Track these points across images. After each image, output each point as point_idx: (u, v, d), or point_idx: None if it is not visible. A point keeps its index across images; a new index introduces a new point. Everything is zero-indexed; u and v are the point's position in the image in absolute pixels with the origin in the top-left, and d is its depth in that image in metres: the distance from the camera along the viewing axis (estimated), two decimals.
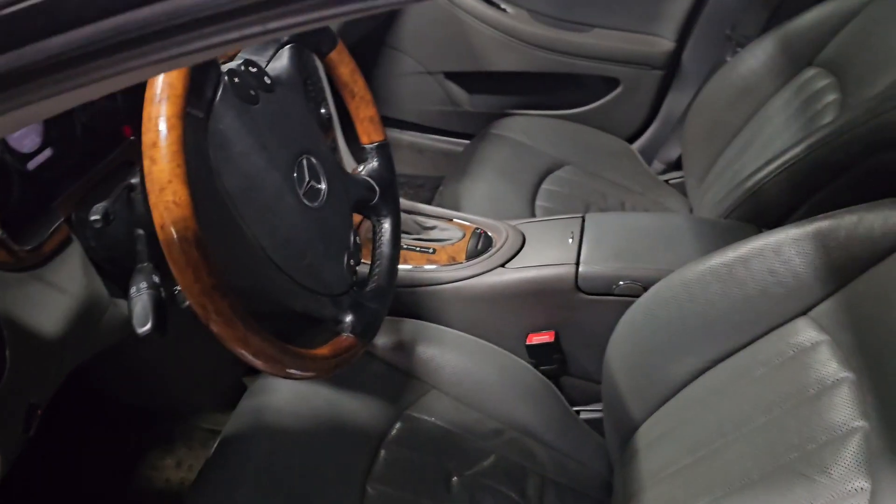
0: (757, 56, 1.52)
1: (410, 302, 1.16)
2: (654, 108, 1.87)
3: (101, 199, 0.79)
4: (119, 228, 0.80)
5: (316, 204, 0.77)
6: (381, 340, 1.10)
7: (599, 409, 1.16)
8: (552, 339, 1.14)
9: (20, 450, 0.74)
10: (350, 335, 0.79)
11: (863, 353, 0.74)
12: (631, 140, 1.89)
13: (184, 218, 0.60)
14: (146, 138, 0.60)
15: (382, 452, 0.99)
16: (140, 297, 0.70)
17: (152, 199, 0.60)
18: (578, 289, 1.11)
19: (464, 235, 1.22)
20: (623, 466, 1.01)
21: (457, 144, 2.01)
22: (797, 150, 1.14)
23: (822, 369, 0.78)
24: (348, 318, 0.80)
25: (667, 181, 1.79)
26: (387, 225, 0.90)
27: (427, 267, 1.17)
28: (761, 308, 0.88)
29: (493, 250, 1.17)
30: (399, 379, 1.08)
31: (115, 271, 0.85)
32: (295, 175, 0.75)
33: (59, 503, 1.31)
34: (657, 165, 1.85)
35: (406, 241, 1.22)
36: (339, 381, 1.04)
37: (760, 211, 1.19)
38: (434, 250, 1.20)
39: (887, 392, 0.69)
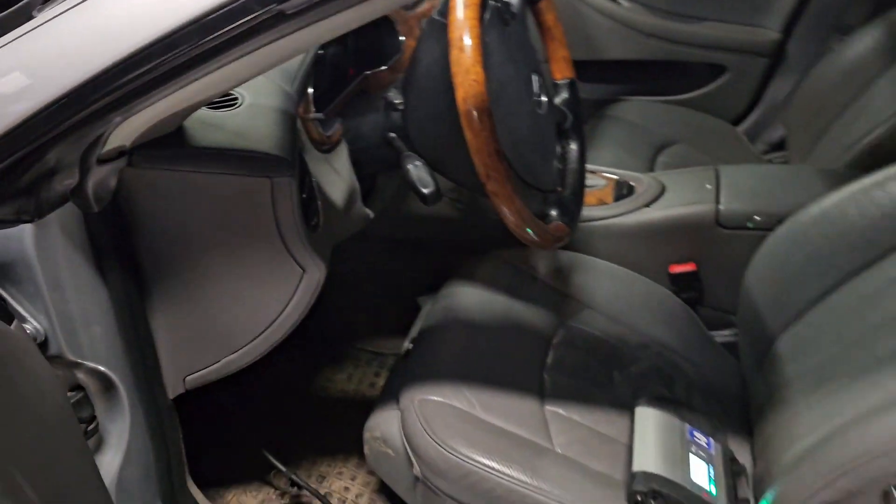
0: (864, 42, 1.66)
1: None
2: (758, 93, 2.01)
3: (353, 113, 0.99)
4: (374, 133, 0.99)
5: (541, 112, 0.95)
6: (542, 267, 1.26)
7: (732, 334, 1.31)
8: (694, 269, 1.29)
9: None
10: (560, 222, 0.96)
11: None
12: (735, 123, 2.04)
13: (481, 94, 0.77)
14: (456, 34, 0.78)
15: (551, 352, 1.15)
16: (418, 169, 0.89)
17: (458, 78, 0.78)
18: (719, 224, 1.26)
19: (608, 183, 1.39)
20: (763, 377, 1.15)
21: None
22: None
23: None
24: (554, 212, 0.97)
25: (769, 161, 1.92)
26: (574, 146, 1.08)
27: None
28: None
29: (638, 193, 1.33)
30: (558, 298, 1.25)
31: (358, 172, 1.04)
32: (529, 86, 0.93)
33: (258, 399, 1.50)
34: (760, 146, 1.99)
35: None
36: (511, 295, 1.21)
37: (881, 163, 1.32)
38: None
39: None
